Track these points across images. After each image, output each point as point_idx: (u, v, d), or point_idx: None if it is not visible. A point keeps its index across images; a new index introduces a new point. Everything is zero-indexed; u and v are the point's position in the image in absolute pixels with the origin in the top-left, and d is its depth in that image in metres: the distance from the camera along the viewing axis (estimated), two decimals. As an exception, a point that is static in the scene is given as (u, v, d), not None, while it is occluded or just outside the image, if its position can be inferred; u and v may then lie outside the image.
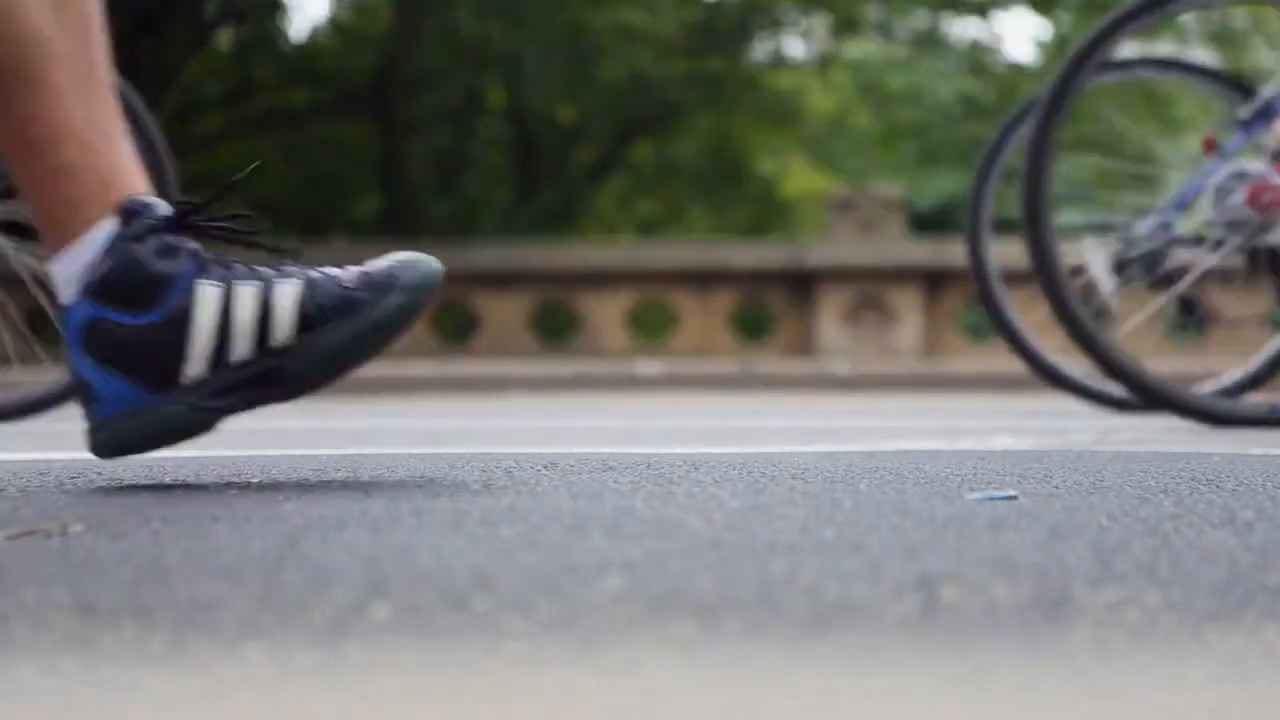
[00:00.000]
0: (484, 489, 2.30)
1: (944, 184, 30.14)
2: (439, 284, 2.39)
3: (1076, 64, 5.01)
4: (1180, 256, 5.30)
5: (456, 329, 14.19)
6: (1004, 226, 6.23)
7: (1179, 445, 4.01)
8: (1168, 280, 5.29)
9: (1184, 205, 5.26)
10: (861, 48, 24.11)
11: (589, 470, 2.55)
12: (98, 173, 2.32)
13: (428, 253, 2.38)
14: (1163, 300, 5.42)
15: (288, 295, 2.34)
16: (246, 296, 2.33)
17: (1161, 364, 11.94)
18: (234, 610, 1.47)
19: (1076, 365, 5.80)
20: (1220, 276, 5.52)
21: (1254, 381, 5.76)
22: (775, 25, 20.34)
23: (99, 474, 2.59)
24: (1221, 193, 5.11)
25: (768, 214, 23.90)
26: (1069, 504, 2.13)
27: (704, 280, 13.51)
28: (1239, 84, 5.73)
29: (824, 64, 21.99)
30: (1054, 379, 5.83)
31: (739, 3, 19.38)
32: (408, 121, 19.05)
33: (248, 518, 2.01)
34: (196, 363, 2.35)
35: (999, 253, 7.50)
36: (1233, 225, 5.09)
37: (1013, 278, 14.04)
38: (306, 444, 3.99)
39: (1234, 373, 5.93)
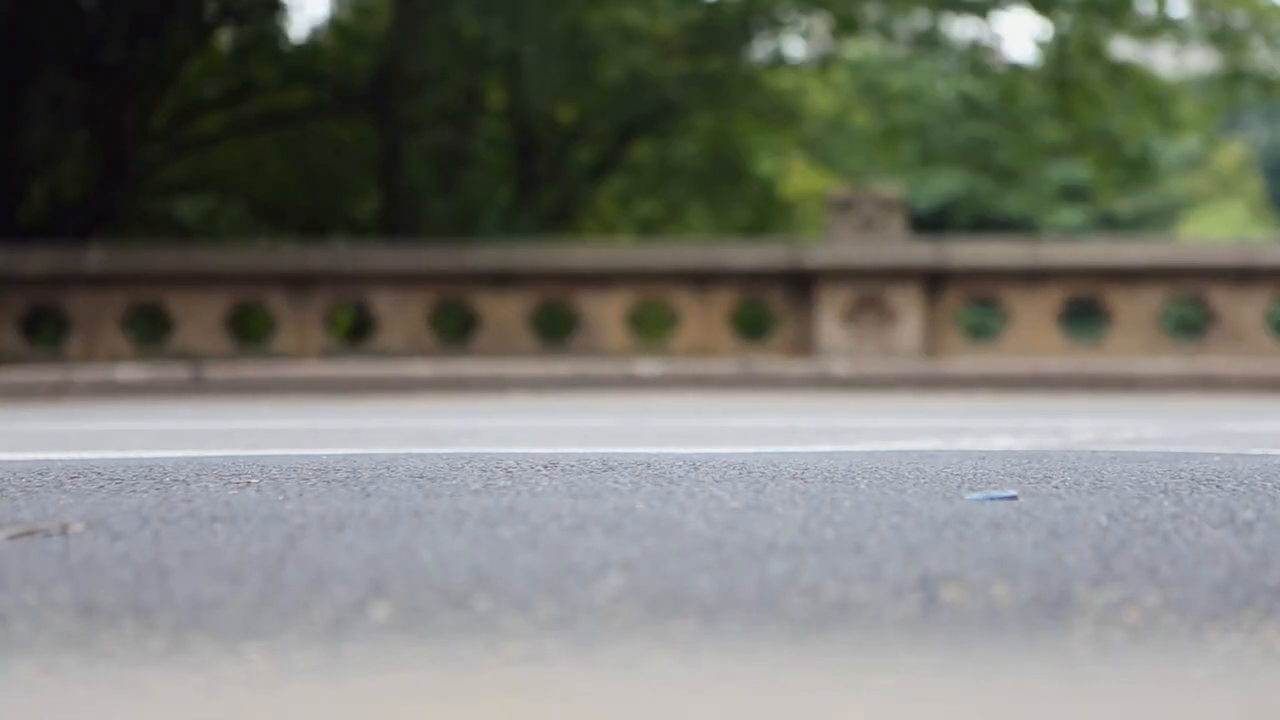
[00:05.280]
0: (484, 489, 2.30)
1: (944, 184, 30.12)
2: None
3: None
4: None
5: (456, 329, 14.19)
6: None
7: (1179, 445, 4.01)
8: None
9: None
10: (861, 48, 24.11)
11: (589, 470, 2.54)
12: None
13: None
14: None
15: None
16: None
17: (1163, 364, 11.95)
18: (234, 610, 1.47)
19: None
20: None
21: None
22: (775, 25, 20.33)
23: (99, 474, 2.58)
24: None
25: (768, 214, 23.89)
26: (1069, 504, 2.13)
27: (704, 280, 13.51)
28: None
29: (824, 64, 21.98)
30: None
31: (739, 3, 19.37)
32: (407, 121, 19.06)
33: (248, 518, 2.00)
34: None
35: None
36: None
37: (1012, 276, 13.99)
38: (306, 444, 3.99)
39: None
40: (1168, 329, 13.35)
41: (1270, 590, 1.54)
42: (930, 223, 27.30)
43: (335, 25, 21.07)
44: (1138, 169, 21.59)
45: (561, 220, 21.14)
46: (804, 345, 13.27)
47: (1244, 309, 12.93)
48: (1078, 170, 26.84)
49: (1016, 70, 20.74)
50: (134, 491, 2.33)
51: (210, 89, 18.39)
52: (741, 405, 8.27)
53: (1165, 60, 22.50)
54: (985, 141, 22.58)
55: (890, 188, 14.15)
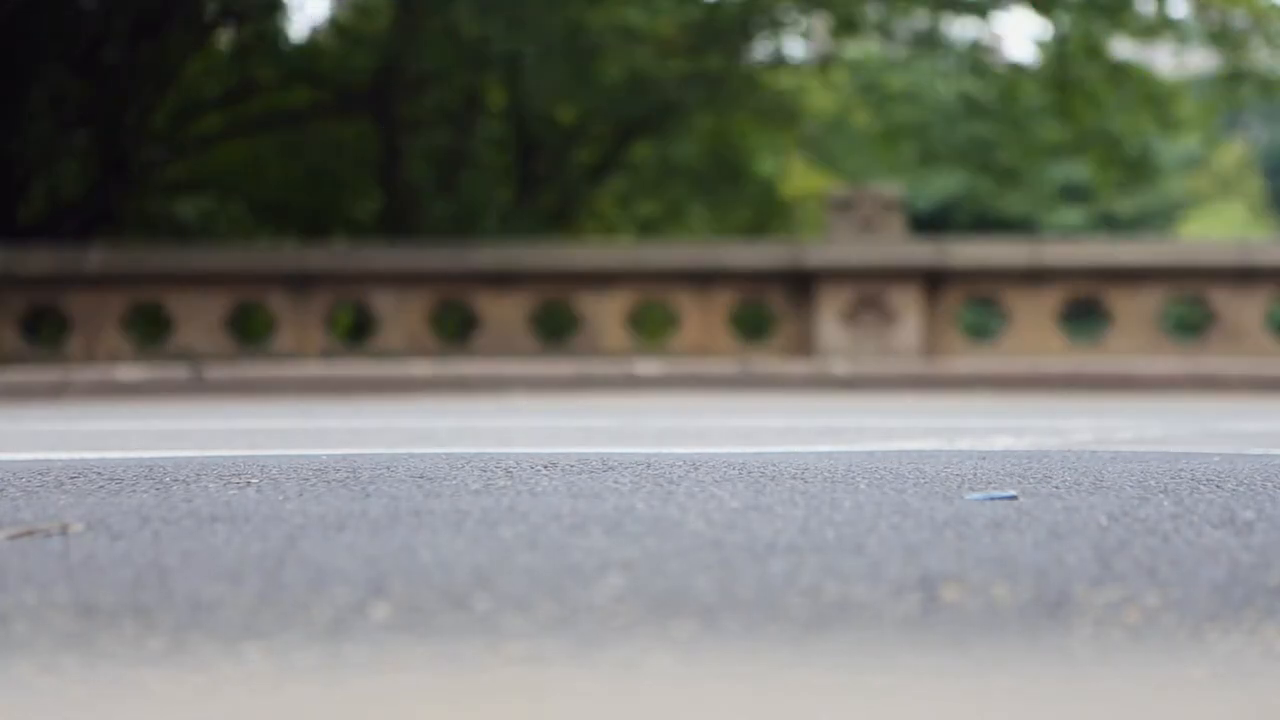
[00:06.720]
0: (484, 489, 2.30)
1: (944, 184, 30.12)
2: None
3: None
4: None
5: (456, 329, 14.19)
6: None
7: (1179, 445, 4.01)
8: None
9: None
10: (861, 48, 24.10)
11: (589, 470, 2.54)
12: None
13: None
14: None
15: None
16: None
17: (1163, 364, 11.96)
18: (234, 610, 1.47)
19: None
20: None
21: None
22: (775, 25, 20.33)
23: (99, 474, 2.58)
24: None
25: (768, 214, 23.88)
26: (1069, 504, 2.13)
27: (704, 280, 13.50)
28: None
29: (824, 64, 21.98)
30: None
31: (739, 3, 19.37)
32: (407, 121, 19.05)
33: (248, 518, 2.00)
34: None
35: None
36: None
37: (1012, 276, 14.00)
38: (306, 444, 3.99)
39: None
40: (1167, 329, 13.35)
41: (1270, 590, 1.54)
42: (930, 223, 27.30)
43: (335, 25, 21.05)
44: (1138, 169, 21.60)
45: (561, 220, 21.13)
46: (804, 345, 13.26)
47: (1244, 309, 12.92)
48: (1078, 170, 26.83)
49: (1016, 70, 20.73)
50: (134, 491, 2.33)
51: (210, 89, 18.37)
52: (741, 405, 8.27)
53: (1165, 60, 22.49)
54: (985, 141, 22.59)
55: (890, 188, 14.15)
